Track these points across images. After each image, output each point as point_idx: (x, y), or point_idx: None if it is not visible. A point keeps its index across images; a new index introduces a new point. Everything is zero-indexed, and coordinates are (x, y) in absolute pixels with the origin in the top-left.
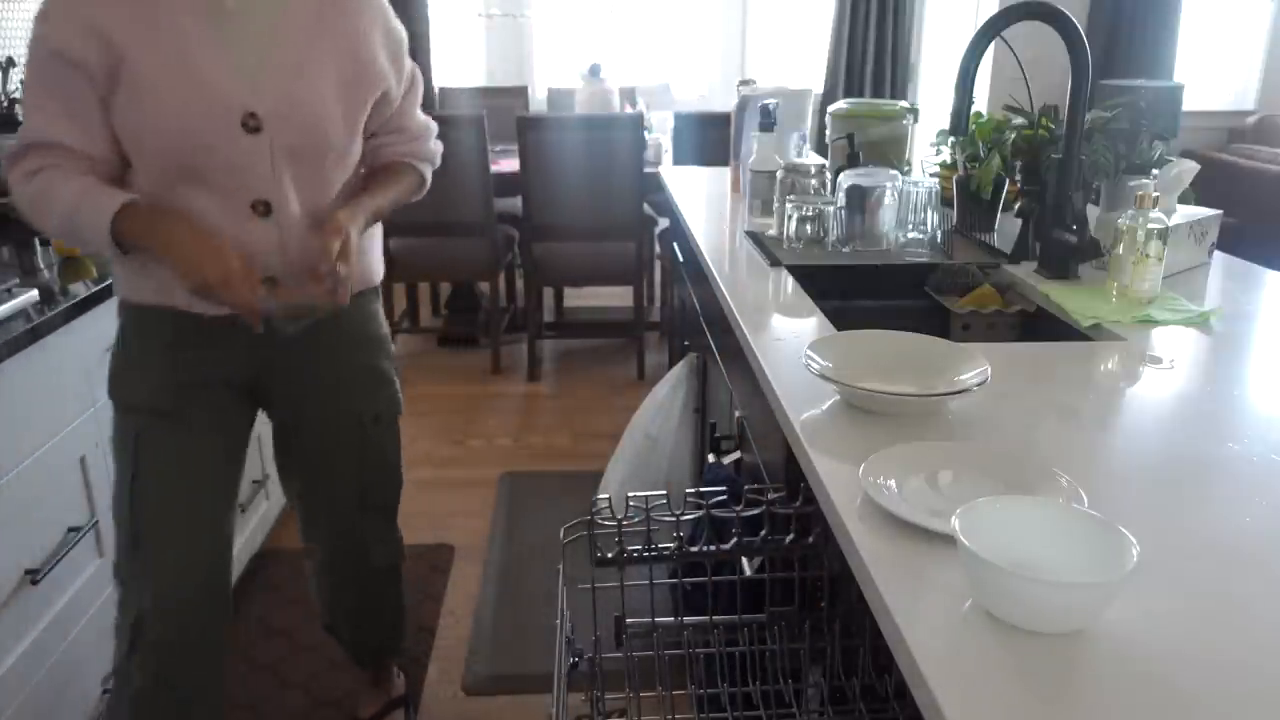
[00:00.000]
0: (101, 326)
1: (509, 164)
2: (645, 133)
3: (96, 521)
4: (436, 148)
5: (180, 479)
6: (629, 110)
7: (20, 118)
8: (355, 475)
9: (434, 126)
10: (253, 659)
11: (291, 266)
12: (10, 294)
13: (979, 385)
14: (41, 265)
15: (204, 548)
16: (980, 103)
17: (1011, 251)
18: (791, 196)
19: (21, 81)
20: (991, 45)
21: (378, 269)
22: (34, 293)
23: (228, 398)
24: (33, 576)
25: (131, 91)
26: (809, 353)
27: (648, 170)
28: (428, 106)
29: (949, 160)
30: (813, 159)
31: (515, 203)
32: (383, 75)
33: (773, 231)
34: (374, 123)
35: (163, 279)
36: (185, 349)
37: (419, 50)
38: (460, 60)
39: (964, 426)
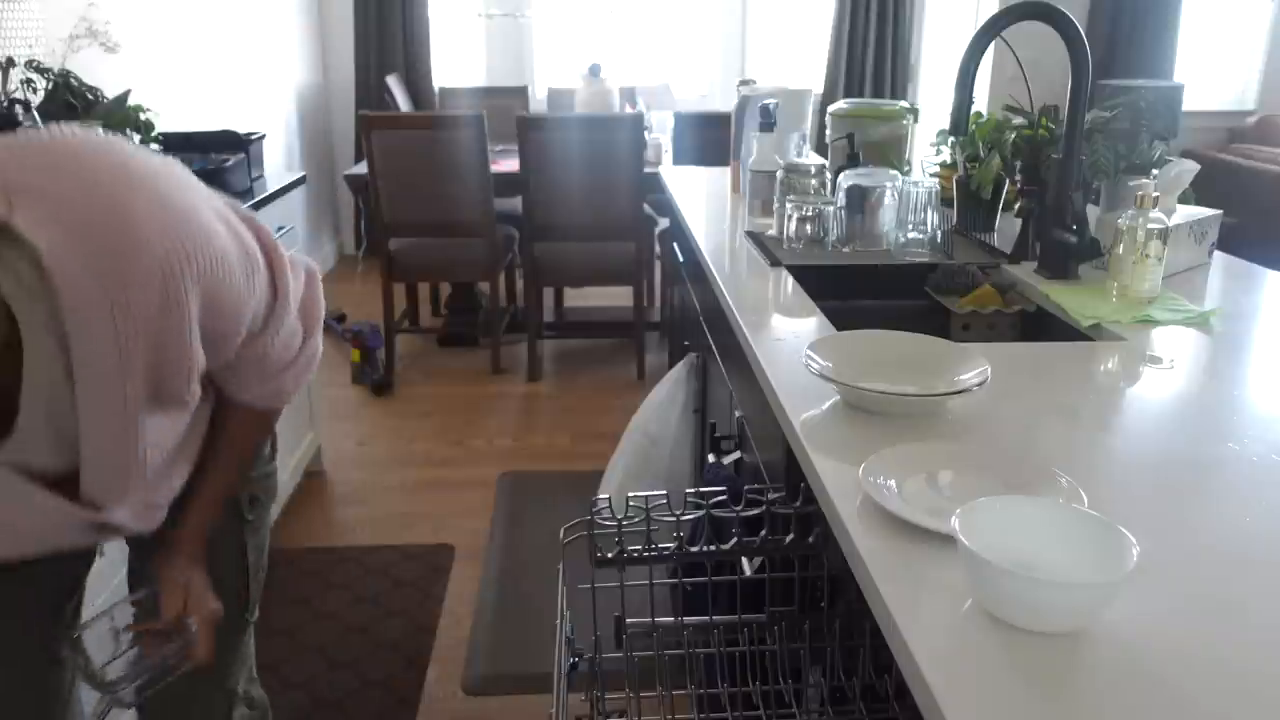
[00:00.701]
0: None
1: (509, 164)
2: (645, 133)
3: None
4: (307, 359)
5: None
6: (629, 110)
7: (19, 118)
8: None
9: (299, 334)
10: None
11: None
12: None
13: (979, 385)
14: None
15: None
16: (980, 103)
17: (1011, 251)
18: (791, 196)
19: (24, 81)
20: (991, 45)
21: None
22: None
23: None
24: None
25: None
26: (809, 353)
27: (648, 170)
28: (424, 104)
29: (949, 160)
30: (813, 159)
31: (515, 203)
32: (222, 350)
33: (773, 231)
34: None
35: None
36: None
37: (417, 50)
38: (460, 60)
39: (964, 426)
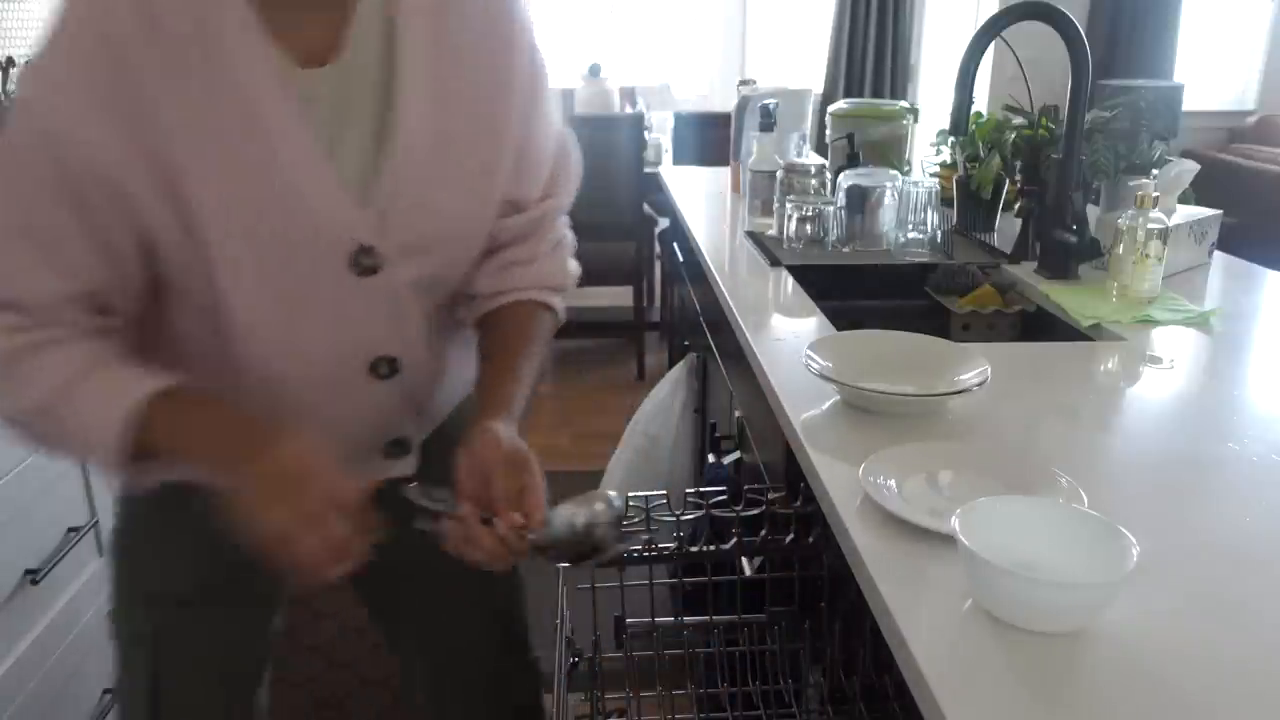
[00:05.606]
0: None
1: None
2: (645, 133)
3: (96, 521)
4: (575, 264)
5: (214, 677)
6: (629, 110)
7: None
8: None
9: (568, 227)
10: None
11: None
12: None
13: (979, 385)
14: None
15: None
16: (980, 103)
17: (1011, 251)
18: (791, 196)
19: None
20: (991, 45)
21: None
22: None
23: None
24: (33, 576)
25: (182, 220)
26: (809, 353)
27: (648, 170)
28: None
29: (949, 160)
30: (813, 159)
31: None
32: (524, 147)
33: (773, 231)
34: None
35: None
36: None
37: None
38: None
39: (964, 426)
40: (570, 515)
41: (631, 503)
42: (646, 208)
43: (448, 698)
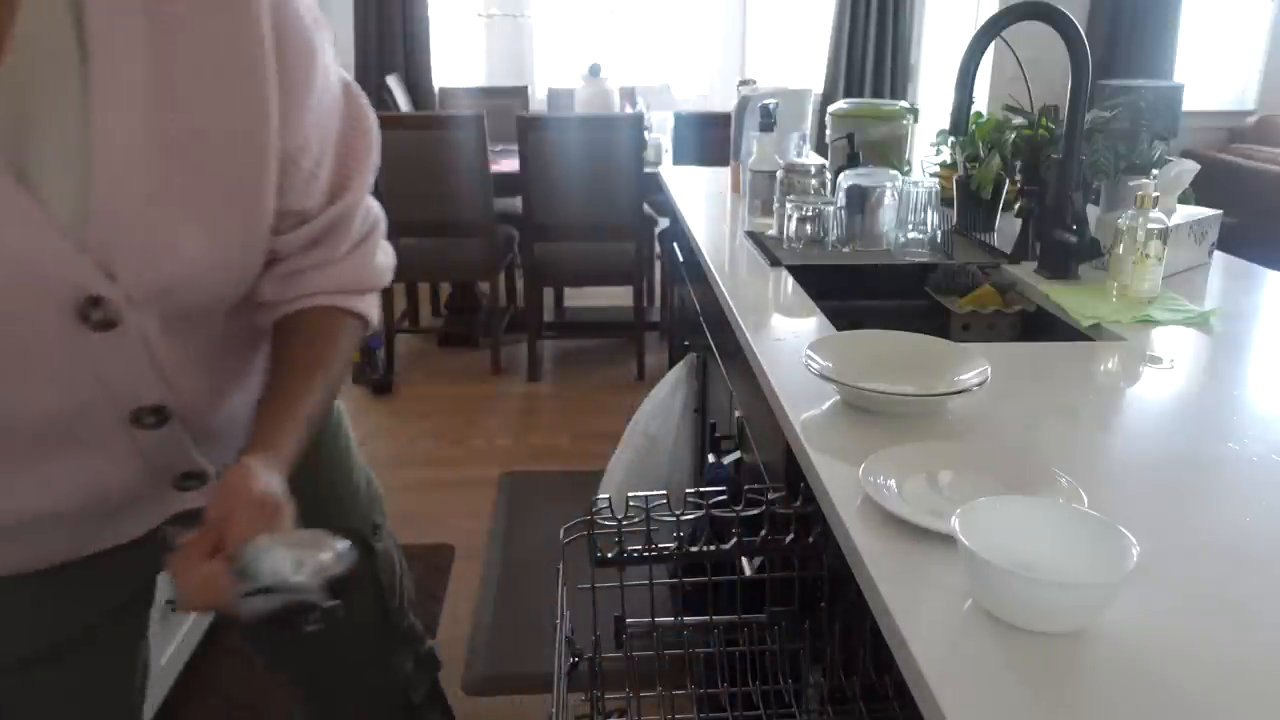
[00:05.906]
0: None
1: (509, 164)
2: (645, 133)
3: None
4: (386, 254)
5: None
6: (629, 110)
7: None
8: (375, 605)
9: (375, 209)
10: (252, 659)
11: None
12: None
13: (979, 385)
14: None
15: None
16: (980, 103)
17: (1011, 251)
18: (791, 196)
19: None
20: (991, 45)
21: None
22: None
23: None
24: None
25: None
26: (809, 353)
27: (648, 170)
28: (424, 104)
29: (949, 160)
30: (813, 159)
31: (515, 203)
32: (295, 147)
33: (773, 231)
34: (280, 222)
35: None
36: (54, 584)
37: (417, 50)
38: (460, 60)
39: (964, 426)
40: (281, 562)
41: (631, 503)
42: (646, 208)
43: (339, 711)
